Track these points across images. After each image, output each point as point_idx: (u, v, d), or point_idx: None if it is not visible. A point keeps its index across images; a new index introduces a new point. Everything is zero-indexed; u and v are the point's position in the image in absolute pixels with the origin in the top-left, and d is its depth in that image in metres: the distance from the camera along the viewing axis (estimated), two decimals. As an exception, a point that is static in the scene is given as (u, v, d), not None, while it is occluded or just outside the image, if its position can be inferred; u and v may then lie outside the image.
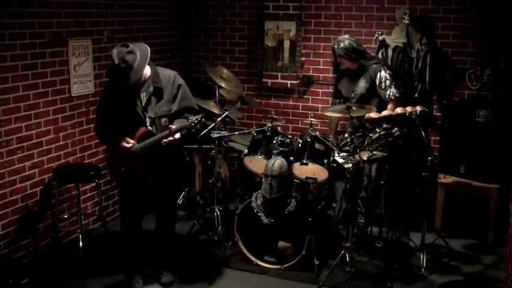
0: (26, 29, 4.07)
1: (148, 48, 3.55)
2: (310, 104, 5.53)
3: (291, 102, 5.62)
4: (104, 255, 4.35)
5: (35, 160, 4.28)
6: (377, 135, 4.00)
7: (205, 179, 5.15)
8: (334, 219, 4.60)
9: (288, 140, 4.41)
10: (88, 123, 4.71)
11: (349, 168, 4.03)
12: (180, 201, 5.21)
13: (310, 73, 5.49)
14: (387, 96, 4.45)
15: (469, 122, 4.58)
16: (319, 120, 4.74)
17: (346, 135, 4.63)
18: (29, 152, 4.21)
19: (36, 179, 4.31)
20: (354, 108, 4.01)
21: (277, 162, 4.08)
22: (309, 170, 4.29)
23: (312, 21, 5.38)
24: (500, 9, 4.59)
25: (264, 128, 4.42)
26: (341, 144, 4.55)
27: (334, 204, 4.73)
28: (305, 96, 5.55)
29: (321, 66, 5.42)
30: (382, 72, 4.46)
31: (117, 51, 3.47)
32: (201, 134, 4.26)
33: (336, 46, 4.48)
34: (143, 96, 3.63)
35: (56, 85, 4.39)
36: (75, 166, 4.60)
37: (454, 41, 4.91)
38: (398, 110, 4.03)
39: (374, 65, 4.50)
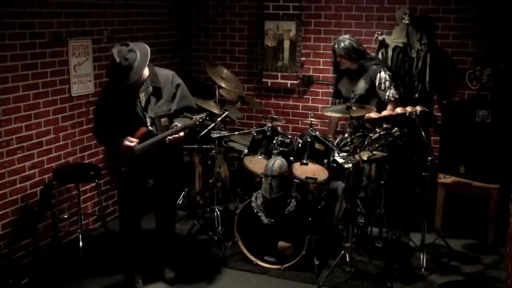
0: (26, 29, 4.07)
1: (148, 48, 3.55)
2: (310, 104, 5.53)
3: (291, 102, 5.62)
4: (104, 255, 4.35)
5: (35, 160, 4.28)
6: (377, 135, 4.00)
7: (205, 179, 5.15)
8: (335, 219, 4.61)
9: (288, 140, 4.41)
10: (88, 123, 4.71)
11: (349, 168, 4.03)
12: (180, 201, 5.21)
13: (310, 73, 5.49)
14: (386, 97, 4.45)
15: (469, 122, 4.58)
16: (319, 120, 4.74)
17: (346, 135, 4.62)
18: (29, 152, 4.21)
19: (36, 179, 4.31)
20: (353, 108, 4.01)
21: (277, 162, 4.08)
22: (309, 170, 4.29)
23: (312, 21, 5.38)
24: (500, 9, 4.59)
25: (264, 128, 4.42)
26: (341, 144, 4.55)
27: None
28: (305, 96, 5.55)
29: (321, 66, 5.42)
30: (382, 73, 4.46)
31: (118, 50, 3.46)
32: (201, 134, 4.27)
33: (336, 46, 4.48)
34: (142, 96, 3.63)
35: (56, 85, 4.40)
36: (75, 166, 4.60)
37: (454, 41, 4.91)
38: (398, 110, 4.03)
39: (374, 66, 4.50)
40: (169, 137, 3.55)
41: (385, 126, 4.11)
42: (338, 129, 5.02)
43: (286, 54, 5.45)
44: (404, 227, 4.63)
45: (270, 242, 4.13)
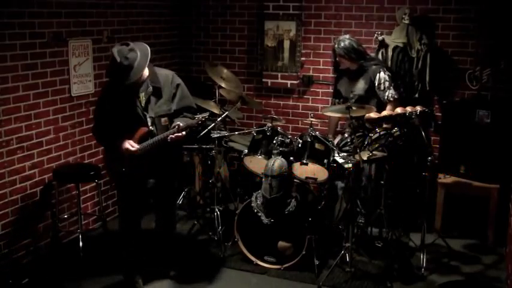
0: (26, 29, 4.07)
1: (148, 47, 3.55)
2: (310, 104, 5.53)
3: (291, 102, 5.62)
4: (104, 255, 4.35)
5: (35, 160, 4.28)
6: (377, 135, 4.00)
7: (205, 179, 5.15)
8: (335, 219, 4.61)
9: (288, 140, 4.41)
10: (88, 123, 4.71)
11: (349, 168, 4.03)
12: (180, 201, 5.21)
13: (310, 73, 5.49)
14: (386, 97, 4.45)
15: (469, 122, 4.58)
16: (319, 120, 4.74)
17: (345, 135, 4.62)
18: (29, 152, 4.21)
19: (36, 179, 4.31)
20: (353, 108, 4.01)
21: (277, 162, 4.08)
22: (309, 170, 4.29)
23: (312, 21, 5.38)
24: (500, 9, 4.59)
25: (264, 128, 4.42)
26: (341, 144, 4.55)
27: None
28: (305, 96, 5.55)
29: (321, 66, 5.42)
30: (382, 73, 4.46)
31: (118, 50, 3.47)
32: (201, 134, 4.27)
33: (336, 45, 4.48)
34: (143, 96, 3.63)
35: (56, 85, 4.39)
36: (75, 166, 4.60)
37: (454, 41, 4.91)
38: (398, 110, 4.03)
39: (373, 66, 4.50)
40: (171, 136, 3.55)
41: (385, 126, 4.11)
42: (338, 129, 5.02)
43: (286, 54, 5.45)
44: (404, 227, 4.63)
45: (270, 242, 4.13)
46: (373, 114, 4.10)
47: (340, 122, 5.00)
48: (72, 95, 4.55)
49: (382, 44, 4.89)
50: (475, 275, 4.15)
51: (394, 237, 4.49)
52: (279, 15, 5.37)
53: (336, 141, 4.61)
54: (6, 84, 3.95)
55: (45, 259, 4.33)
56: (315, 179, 4.32)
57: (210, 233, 4.56)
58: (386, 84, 4.45)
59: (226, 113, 4.55)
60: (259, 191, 4.13)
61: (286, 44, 5.43)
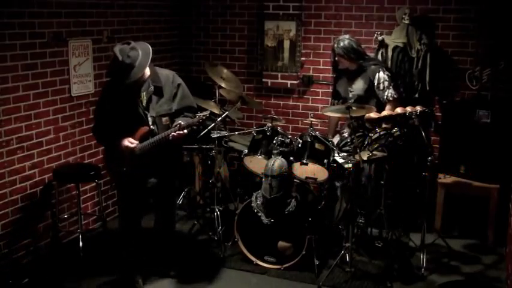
0: (26, 29, 4.07)
1: (149, 46, 3.56)
2: (310, 104, 5.53)
3: (291, 102, 5.62)
4: (104, 255, 4.35)
5: (35, 160, 4.28)
6: (377, 135, 4.00)
7: (205, 179, 5.15)
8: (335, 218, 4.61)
9: (288, 140, 4.41)
10: (88, 123, 4.71)
11: (349, 168, 4.03)
12: (180, 201, 5.22)
13: (310, 73, 5.49)
14: (385, 97, 4.45)
15: (469, 122, 4.58)
16: (319, 120, 4.74)
17: (344, 135, 4.62)
18: (29, 152, 4.21)
19: (36, 179, 4.31)
20: (353, 108, 4.02)
21: (277, 162, 4.08)
22: (309, 170, 4.29)
23: (312, 21, 5.38)
24: (500, 9, 4.59)
25: (264, 128, 4.42)
26: (341, 144, 4.55)
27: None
28: (305, 96, 5.55)
29: (321, 66, 5.42)
30: (381, 73, 4.46)
31: (120, 49, 3.47)
32: (201, 134, 4.27)
33: (335, 45, 4.48)
34: (144, 96, 3.64)
35: (56, 85, 4.40)
36: (75, 166, 4.60)
37: (454, 41, 4.91)
38: (398, 110, 4.03)
39: (373, 66, 4.50)
40: (173, 134, 3.56)
41: (384, 126, 4.11)
42: (338, 129, 5.02)
43: (286, 54, 5.45)
44: (404, 227, 4.63)
45: (270, 242, 4.13)
46: (373, 114, 4.10)
47: (340, 122, 5.00)
48: (72, 95, 4.55)
49: (382, 44, 4.89)
50: (475, 275, 4.15)
51: (394, 237, 4.48)
52: (279, 15, 5.37)
53: (335, 141, 4.61)
54: (6, 84, 3.95)
55: (45, 259, 4.33)
56: (315, 179, 4.32)
57: (210, 233, 4.56)
58: (386, 83, 4.45)
59: (226, 113, 4.55)
60: (259, 191, 4.13)
61: (286, 44, 5.43)
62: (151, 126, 3.65)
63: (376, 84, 4.45)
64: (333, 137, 4.81)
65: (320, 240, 4.17)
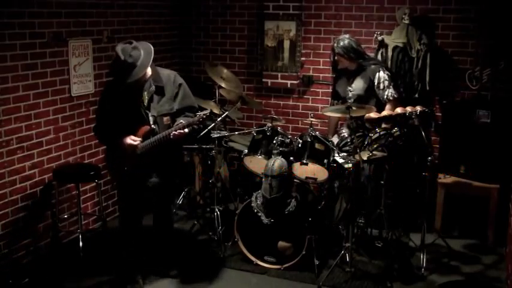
0: (26, 29, 4.07)
1: (151, 46, 3.58)
2: (310, 104, 5.53)
3: (291, 102, 5.62)
4: (104, 255, 4.35)
5: (35, 160, 4.28)
6: (377, 135, 4.00)
7: (205, 179, 5.15)
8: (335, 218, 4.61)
9: (288, 140, 4.41)
10: (88, 123, 4.71)
11: (349, 168, 4.03)
12: (180, 201, 5.22)
13: (310, 73, 5.49)
14: (385, 96, 4.45)
15: (469, 122, 4.58)
16: (319, 120, 4.74)
17: (344, 135, 4.62)
18: (29, 152, 4.21)
19: (36, 179, 4.31)
20: (353, 108, 4.02)
21: (277, 162, 4.08)
22: (309, 170, 4.29)
23: (312, 21, 5.38)
24: (500, 9, 4.59)
25: (264, 128, 4.42)
26: (341, 144, 4.55)
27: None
28: (305, 96, 5.55)
29: (321, 66, 5.42)
30: (381, 72, 4.46)
31: (122, 48, 3.48)
32: (201, 134, 4.27)
33: (335, 45, 4.48)
34: (145, 95, 3.65)
35: (56, 85, 4.39)
36: (75, 166, 4.60)
37: (454, 41, 4.91)
38: (398, 110, 4.03)
39: (373, 66, 4.50)
40: (174, 132, 3.56)
41: (384, 126, 4.11)
42: (338, 129, 5.02)
43: (286, 54, 5.45)
44: (404, 227, 4.63)
45: (270, 242, 4.13)
46: (373, 114, 4.10)
47: (340, 122, 5.00)
48: (72, 95, 4.55)
49: (382, 44, 4.89)
50: (475, 275, 4.15)
51: (394, 237, 4.48)
52: (279, 15, 5.37)
53: (335, 142, 4.61)
54: (6, 84, 3.95)
55: (45, 259, 4.33)
56: (315, 179, 4.32)
57: (210, 233, 4.56)
58: (386, 83, 4.45)
59: (226, 113, 4.55)
60: (259, 191, 4.13)
61: (286, 44, 5.43)
62: (153, 126, 3.67)
63: (376, 83, 4.45)
64: (333, 136, 4.81)
65: (320, 240, 4.17)
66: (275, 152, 4.23)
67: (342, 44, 4.44)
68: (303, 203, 4.23)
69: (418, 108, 3.97)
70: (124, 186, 3.89)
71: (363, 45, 4.65)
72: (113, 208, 5.15)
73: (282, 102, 5.65)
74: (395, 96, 4.46)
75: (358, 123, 4.40)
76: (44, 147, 4.34)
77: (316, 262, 4.04)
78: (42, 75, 4.25)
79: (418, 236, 4.31)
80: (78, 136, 4.68)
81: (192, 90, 3.93)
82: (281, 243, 4.12)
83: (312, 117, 4.40)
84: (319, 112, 5.25)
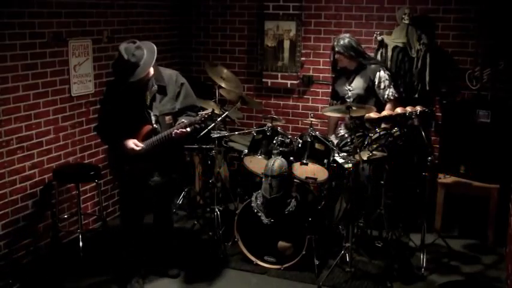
0: (26, 29, 4.06)
1: (154, 46, 3.59)
2: (310, 104, 5.53)
3: (291, 102, 5.62)
4: (104, 255, 4.35)
5: (35, 160, 4.28)
6: (377, 135, 4.00)
7: (205, 179, 5.15)
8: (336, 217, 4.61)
9: (288, 140, 4.41)
10: (88, 123, 4.71)
11: (349, 168, 4.03)
12: (180, 201, 5.22)
13: (310, 73, 5.49)
14: (386, 96, 4.45)
15: (469, 122, 4.58)
16: (319, 120, 4.74)
17: (345, 135, 4.62)
18: (29, 152, 4.21)
19: (36, 179, 4.31)
20: (354, 108, 4.01)
21: (277, 162, 4.08)
22: (309, 170, 4.29)
23: (312, 21, 5.38)
24: (500, 9, 4.59)
25: (264, 128, 4.42)
26: (341, 144, 4.55)
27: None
28: (305, 96, 5.55)
29: (321, 66, 5.42)
30: (382, 72, 4.46)
31: (125, 47, 3.48)
32: (201, 134, 4.27)
33: (335, 43, 4.48)
34: (148, 95, 3.66)
35: (56, 85, 4.39)
36: (75, 166, 4.60)
37: (454, 41, 4.91)
38: (398, 110, 4.02)
39: (373, 65, 4.50)
40: (176, 131, 3.57)
41: (383, 126, 4.11)
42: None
43: (286, 54, 5.45)
44: (404, 227, 4.63)
45: (270, 242, 4.13)
46: (373, 114, 4.10)
47: (339, 122, 5.00)
48: (72, 95, 4.55)
49: (382, 44, 4.89)
50: (475, 275, 4.15)
51: (394, 237, 4.48)
52: (279, 15, 5.37)
53: (335, 142, 4.61)
54: (6, 84, 3.95)
55: (45, 259, 4.32)
56: (315, 179, 4.32)
57: (210, 233, 4.56)
58: (387, 82, 4.45)
59: (226, 113, 4.55)
60: (259, 191, 4.13)
61: (286, 44, 5.43)
62: (155, 125, 3.67)
63: (377, 83, 4.45)
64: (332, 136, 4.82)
65: (320, 240, 4.17)
66: (275, 152, 4.23)
67: (342, 42, 4.44)
68: (303, 203, 4.23)
69: (418, 108, 3.97)
70: (126, 186, 3.89)
71: (363, 45, 4.64)
72: (113, 208, 5.15)
73: (282, 102, 5.65)
74: (395, 95, 4.46)
75: (357, 122, 4.40)
76: (44, 147, 4.34)
77: (316, 262, 4.04)
78: (42, 75, 4.25)
79: (418, 236, 4.31)
80: (78, 136, 4.68)
81: (192, 90, 3.94)
82: (281, 243, 4.12)
83: (312, 117, 4.40)
84: (319, 112, 5.25)
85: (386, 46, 4.87)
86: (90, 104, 4.72)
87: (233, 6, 5.66)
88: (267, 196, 4.03)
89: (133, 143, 3.62)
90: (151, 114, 3.67)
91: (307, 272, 4.06)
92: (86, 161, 4.79)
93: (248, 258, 4.21)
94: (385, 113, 4.14)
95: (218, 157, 4.64)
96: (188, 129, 3.62)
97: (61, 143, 4.51)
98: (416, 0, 4.94)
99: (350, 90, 4.54)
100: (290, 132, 5.44)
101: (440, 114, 4.92)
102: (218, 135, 4.52)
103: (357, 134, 4.30)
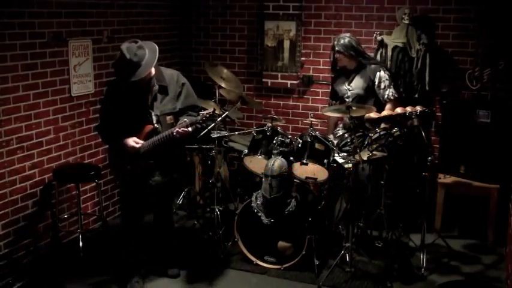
0: (26, 29, 4.06)
1: (156, 46, 3.59)
2: (310, 104, 5.53)
3: (291, 102, 5.62)
4: (104, 255, 4.35)
5: (35, 160, 4.28)
6: (377, 135, 4.00)
7: (205, 179, 5.15)
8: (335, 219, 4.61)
9: (288, 140, 4.41)
10: (88, 123, 4.71)
11: (349, 168, 4.03)
12: (180, 201, 5.22)
13: (310, 73, 5.49)
14: (386, 96, 4.45)
15: (469, 122, 4.58)
16: (319, 120, 4.74)
17: (345, 135, 4.61)
18: (29, 152, 4.21)
19: (36, 179, 4.31)
20: (354, 108, 4.01)
21: (277, 162, 4.08)
22: (309, 170, 4.29)
23: (312, 21, 5.38)
24: (500, 9, 4.59)
25: (264, 128, 4.42)
26: (341, 144, 4.55)
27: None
28: (305, 96, 5.55)
29: (321, 66, 5.42)
30: (382, 72, 4.46)
31: (127, 47, 3.49)
32: (201, 134, 4.27)
33: (335, 42, 4.48)
34: (149, 94, 3.65)
35: (56, 85, 4.39)
36: (75, 166, 4.60)
37: (454, 41, 4.91)
38: (399, 110, 4.02)
39: (373, 65, 4.50)
40: (178, 130, 3.57)
41: (383, 126, 4.11)
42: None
43: (286, 54, 5.45)
44: (404, 227, 4.63)
45: (270, 242, 4.13)
46: (373, 114, 4.10)
47: (338, 121, 5.00)
48: (72, 95, 4.55)
49: (382, 44, 4.89)
50: (475, 275, 4.15)
51: (394, 237, 4.48)
52: (279, 15, 5.37)
53: (335, 142, 4.61)
54: (6, 84, 3.95)
55: (45, 259, 4.32)
56: (315, 179, 4.32)
57: (210, 233, 4.56)
58: (387, 83, 4.45)
59: (226, 113, 4.55)
60: (259, 191, 4.13)
61: (286, 44, 5.43)
62: (156, 125, 3.68)
63: (377, 83, 4.45)
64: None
65: (320, 240, 4.17)
66: (275, 152, 4.23)
67: (342, 41, 4.45)
68: (303, 203, 4.23)
69: (418, 108, 3.97)
70: (127, 185, 3.89)
71: (363, 45, 4.65)
72: (113, 208, 5.15)
73: (282, 102, 5.65)
74: (395, 96, 4.46)
75: (355, 122, 4.39)
76: (44, 147, 4.34)
77: (316, 262, 4.04)
78: (42, 75, 4.25)
79: (418, 236, 4.31)
80: (78, 136, 4.68)
81: (193, 90, 3.94)
82: (281, 243, 4.12)
83: (312, 117, 4.40)
84: (319, 112, 5.25)
85: (386, 46, 4.87)
86: (90, 104, 4.72)
87: (233, 6, 5.66)
88: (267, 196, 4.03)
89: (133, 141, 3.63)
90: (153, 114, 3.68)
91: (307, 272, 4.06)
92: (86, 161, 4.79)
93: (248, 258, 4.21)
94: (385, 113, 4.14)
95: (218, 157, 4.64)
96: (190, 128, 3.63)
97: (61, 143, 4.51)
98: (416, 0, 4.94)
99: (349, 90, 4.54)
100: (290, 132, 5.44)
101: (440, 114, 4.92)
102: (218, 135, 4.52)
103: (357, 134, 4.30)
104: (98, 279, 4.01)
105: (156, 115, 3.69)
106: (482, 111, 4.54)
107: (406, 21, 4.80)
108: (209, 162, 4.80)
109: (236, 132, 5.08)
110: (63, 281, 4.01)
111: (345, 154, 4.23)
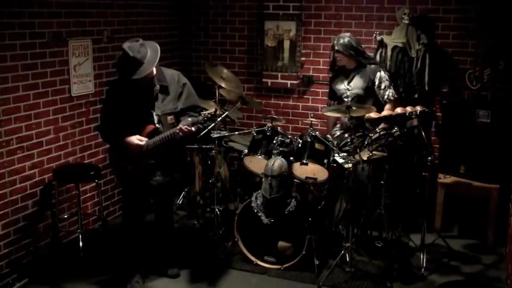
0: (26, 29, 4.06)
1: (157, 46, 3.60)
2: (310, 104, 5.53)
3: (291, 102, 5.62)
4: (104, 255, 4.35)
5: (35, 160, 4.28)
6: (377, 135, 4.00)
7: (205, 179, 5.15)
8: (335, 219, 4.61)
9: (288, 140, 4.41)
10: (88, 123, 4.71)
11: (349, 168, 4.03)
12: (180, 201, 5.22)
13: (310, 73, 5.49)
14: (386, 96, 4.45)
15: (469, 122, 4.58)
16: (319, 120, 4.74)
17: (340, 135, 4.61)
18: (29, 152, 4.21)
19: (36, 179, 4.31)
20: (354, 108, 4.01)
21: (277, 162, 4.08)
22: (309, 170, 4.29)
23: (312, 21, 5.38)
24: (500, 9, 4.59)
25: (264, 128, 4.42)
26: (341, 144, 4.55)
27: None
28: (305, 96, 5.55)
29: (321, 66, 5.42)
30: (382, 72, 4.46)
31: (129, 46, 3.50)
32: (201, 134, 4.27)
33: (335, 42, 4.48)
34: (150, 94, 3.66)
35: (56, 85, 4.39)
36: (75, 166, 4.60)
37: (454, 41, 4.91)
38: (399, 110, 4.02)
39: (373, 66, 4.50)
40: (182, 127, 3.58)
41: (382, 126, 4.11)
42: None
43: (286, 54, 5.45)
44: (404, 227, 4.63)
45: (270, 242, 4.13)
46: (373, 114, 4.10)
47: (337, 121, 5.00)
48: (72, 95, 4.55)
49: (382, 44, 4.89)
50: (475, 275, 4.15)
51: (394, 237, 4.48)
52: (279, 15, 5.37)
53: (335, 142, 4.61)
54: (6, 84, 3.95)
55: (45, 259, 4.33)
56: (315, 179, 4.32)
57: (210, 233, 4.56)
58: (387, 83, 4.45)
59: (226, 113, 4.55)
60: (259, 191, 4.13)
61: (286, 44, 5.43)
62: (157, 125, 3.68)
63: (377, 83, 4.45)
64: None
65: (320, 240, 4.17)
66: (275, 152, 4.23)
67: (342, 41, 4.45)
68: (303, 203, 4.23)
69: (418, 108, 3.97)
70: (128, 185, 3.89)
71: (362, 45, 4.64)
72: (113, 208, 5.15)
73: (282, 102, 5.65)
74: (395, 96, 4.46)
75: (354, 123, 4.39)
76: (44, 147, 4.34)
77: (316, 262, 4.04)
78: (42, 75, 4.25)
79: (418, 236, 4.31)
80: (78, 136, 4.68)
81: (194, 91, 3.95)
82: (281, 243, 4.12)
83: (312, 117, 4.40)
84: (319, 112, 5.25)
85: (386, 46, 4.87)
86: (90, 104, 4.72)
87: (233, 6, 5.66)
88: (267, 196, 4.03)
89: (137, 139, 3.63)
90: (154, 113, 3.68)
91: (307, 272, 4.06)
92: (86, 161, 4.79)
93: (248, 258, 4.22)
94: (385, 113, 4.14)
95: (218, 157, 4.64)
96: (193, 128, 3.63)
97: (61, 143, 4.51)
98: (416, 0, 4.94)
99: (349, 90, 4.53)
100: (290, 132, 5.44)
101: (440, 114, 4.92)
102: (218, 135, 4.52)
103: (357, 134, 4.30)
104: (98, 279, 4.01)
105: (157, 115, 3.69)
106: (482, 111, 4.54)
107: (406, 21, 4.80)
108: (209, 162, 4.80)
109: (236, 132, 5.09)
110: (63, 281, 4.01)
111: (345, 154, 4.23)
